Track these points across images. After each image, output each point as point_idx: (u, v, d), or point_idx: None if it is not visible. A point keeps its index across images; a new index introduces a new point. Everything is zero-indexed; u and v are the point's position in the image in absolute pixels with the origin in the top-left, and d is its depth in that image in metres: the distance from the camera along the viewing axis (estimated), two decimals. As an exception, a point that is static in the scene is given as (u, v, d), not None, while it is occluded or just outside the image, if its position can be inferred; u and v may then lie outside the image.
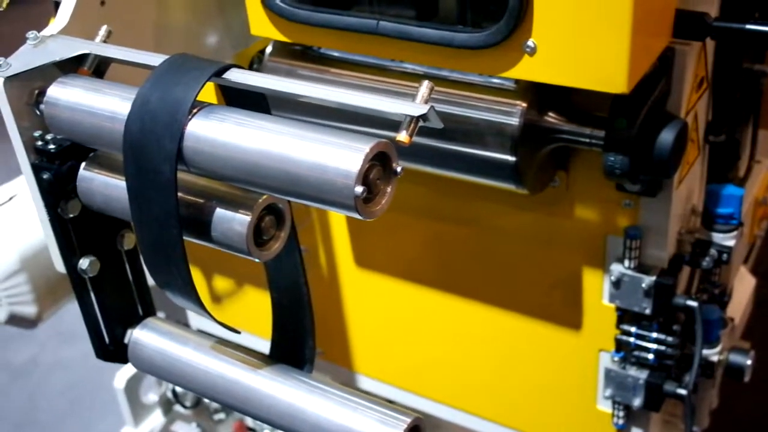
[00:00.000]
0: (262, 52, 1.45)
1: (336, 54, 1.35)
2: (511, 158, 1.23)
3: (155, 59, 1.00)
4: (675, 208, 1.34)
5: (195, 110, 0.95)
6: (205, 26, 1.39)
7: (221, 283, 1.88)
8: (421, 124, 0.87)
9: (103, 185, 1.10)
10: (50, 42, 1.10)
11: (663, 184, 1.28)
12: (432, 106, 0.85)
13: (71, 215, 1.14)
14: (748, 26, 1.17)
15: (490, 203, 1.46)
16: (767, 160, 1.78)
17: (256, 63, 1.48)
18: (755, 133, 1.63)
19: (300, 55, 1.38)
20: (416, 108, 0.86)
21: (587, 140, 1.23)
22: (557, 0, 1.05)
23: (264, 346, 1.20)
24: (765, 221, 1.87)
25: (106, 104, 1.02)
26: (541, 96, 1.22)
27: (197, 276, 1.86)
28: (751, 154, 1.66)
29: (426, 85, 0.88)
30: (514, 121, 1.21)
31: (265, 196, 0.97)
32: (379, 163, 0.87)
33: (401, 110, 0.86)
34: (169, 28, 1.32)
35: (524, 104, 1.21)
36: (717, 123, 1.43)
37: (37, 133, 1.11)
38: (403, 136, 0.86)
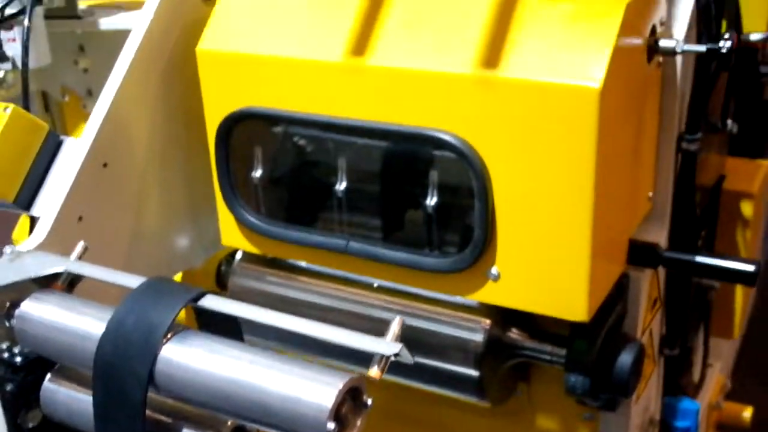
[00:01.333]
0: (232, 255, 1.49)
1: (305, 264, 1.39)
2: (474, 373, 1.25)
3: (132, 280, 1.03)
4: (633, 421, 1.37)
5: (169, 335, 0.96)
6: (178, 233, 1.43)
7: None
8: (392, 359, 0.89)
9: (68, 398, 1.09)
10: (27, 257, 1.12)
11: (622, 399, 1.31)
12: (404, 345, 0.88)
13: (31, 425, 1.12)
14: (698, 258, 1.24)
15: (452, 410, 1.47)
16: (719, 363, 1.84)
17: (224, 266, 1.52)
18: (707, 340, 1.69)
19: (269, 263, 1.42)
20: (388, 347, 0.88)
21: (548, 357, 1.27)
22: (519, 232, 1.12)
23: None
24: (718, 423, 1.91)
25: (80, 323, 1.03)
26: (504, 313, 1.26)
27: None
28: (704, 360, 1.71)
29: (397, 321, 0.91)
30: (478, 337, 1.24)
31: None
32: (351, 396, 0.89)
33: (374, 348, 0.89)
34: (144, 236, 1.35)
35: (488, 321, 1.25)
36: (671, 336, 1.48)
37: (4, 345, 1.11)
38: (374, 372, 0.88)
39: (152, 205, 1.36)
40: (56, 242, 1.18)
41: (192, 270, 1.50)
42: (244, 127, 1.29)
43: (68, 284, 1.13)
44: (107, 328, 0.98)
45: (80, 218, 1.22)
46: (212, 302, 0.99)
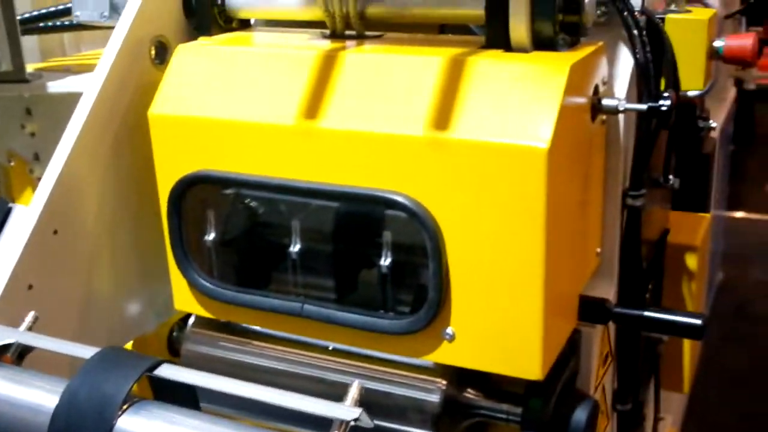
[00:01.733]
0: (184, 320, 1.47)
1: (259, 328, 1.38)
2: (431, 434, 1.25)
3: (85, 351, 1.01)
4: (589, 477, 1.37)
5: (125, 406, 0.95)
6: (130, 299, 1.41)
7: None
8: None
9: (17, 473, 1.06)
10: (-25, 329, 1.09)
11: (577, 456, 1.32)
12: (363, 410, 0.88)
13: (-22, 503, 1.09)
14: (646, 313, 1.27)
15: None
16: (670, 416, 1.86)
17: (176, 331, 1.50)
18: (657, 393, 1.71)
19: (223, 327, 1.41)
20: (348, 412, 0.88)
21: (504, 416, 1.27)
22: (473, 292, 1.13)
23: None
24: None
25: (32, 397, 1.00)
26: (459, 373, 1.26)
27: None
28: (656, 414, 1.74)
29: (355, 386, 0.91)
30: (435, 398, 1.24)
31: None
32: (310, 463, 0.88)
33: (333, 414, 0.88)
34: (95, 303, 1.33)
35: (444, 382, 1.25)
36: (623, 391, 1.50)
37: (-49, 420, 1.07)
38: (334, 438, 0.88)
39: (104, 271, 1.35)
40: (5, 311, 1.15)
41: (144, 336, 1.48)
42: (197, 191, 1.29)
43: (17, 356, 1.10)
44: (60, 401, 0.96)
45: (30, 286, 1.20)
46: (168, 371, 0.98)
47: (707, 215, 1.93)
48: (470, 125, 1.10)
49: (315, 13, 1.34)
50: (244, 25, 1.49)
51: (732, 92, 3.50)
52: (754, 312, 4.17)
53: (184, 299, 1.35)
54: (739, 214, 5.48)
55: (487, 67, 1.13)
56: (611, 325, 1.42)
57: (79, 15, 1.52)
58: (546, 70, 1.11)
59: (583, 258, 1.30)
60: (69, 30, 2.27)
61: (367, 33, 1.34)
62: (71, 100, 1.32)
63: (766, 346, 3.83)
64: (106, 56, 1.33)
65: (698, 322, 1.29)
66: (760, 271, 4.59)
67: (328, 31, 1.35)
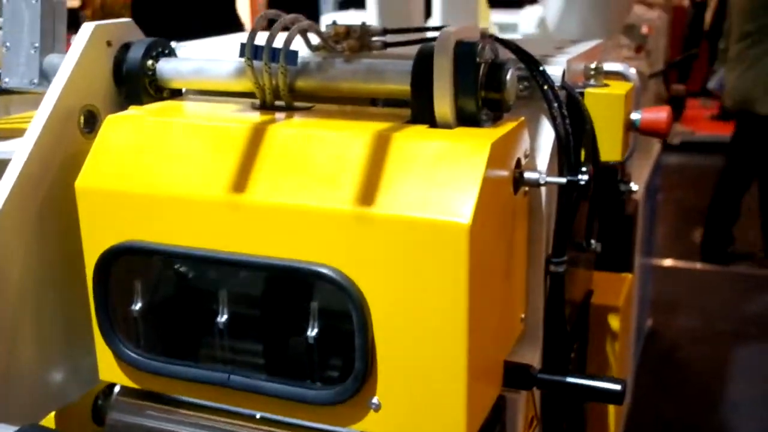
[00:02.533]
0: (109, 388, 1.45)
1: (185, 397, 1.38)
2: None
3: (3, 430, 1.00)
4: None
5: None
6: (53, 370, 1.38)
7: None
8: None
9: None
10: None
11: None
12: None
13: None
14: (568, 379, 1.31)
15: None
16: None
17: (101, 400, 1.48)
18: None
19: (149, 396, 1.40)
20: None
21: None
22: (399, 362, 1.15)
23: None
24: None
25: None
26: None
27: None
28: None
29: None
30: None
31: None
32: None
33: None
34: (17, 374, 1.31)
35: (371, 453, 1.26)
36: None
37: None
38: None
39: (27, 341, 1.33)
40: None
41: (67, 406, 1.46)
42: (124, 262, 1.29)
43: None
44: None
45: None
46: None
47: (629, 276, 1.98)
48: (394, 200, 1.13)
49: (245, 85, 1.37)
50: (175, 93, 1.50)
51: (657, 147, 3.63)
52: (682, 358, 4.28)
53: (110, 369, 1.33)
54: (668, 262, 5.64)
55: (412, 144, 1.17)
56: (536, 389, 1.45)
57: (8, 81, 1.51)
58: (468, 148, 1.14)
59: (508, 325, 1.33)
60: (-2, 95, 2.25)
61: (297, 104, 1.37)
62: (-2, 165, 1.31)
63: (693, 392, 3.93)
64: (34, 124, 1.32)
65: (618, 387, 1.32)
66: (687, 318, 4.72)
67: (258, 102, 1.37)
